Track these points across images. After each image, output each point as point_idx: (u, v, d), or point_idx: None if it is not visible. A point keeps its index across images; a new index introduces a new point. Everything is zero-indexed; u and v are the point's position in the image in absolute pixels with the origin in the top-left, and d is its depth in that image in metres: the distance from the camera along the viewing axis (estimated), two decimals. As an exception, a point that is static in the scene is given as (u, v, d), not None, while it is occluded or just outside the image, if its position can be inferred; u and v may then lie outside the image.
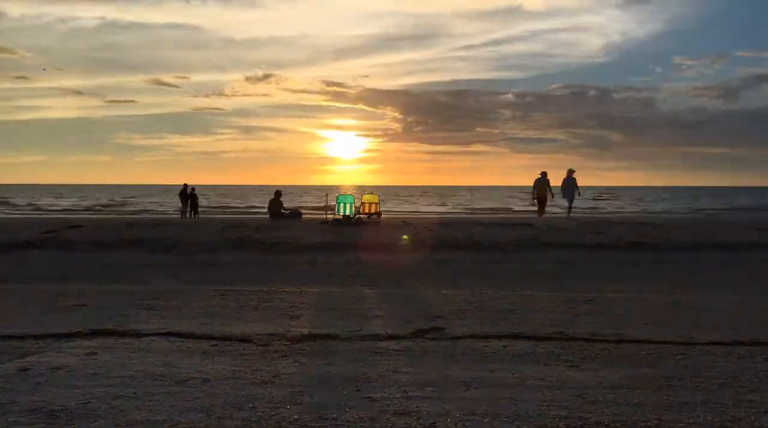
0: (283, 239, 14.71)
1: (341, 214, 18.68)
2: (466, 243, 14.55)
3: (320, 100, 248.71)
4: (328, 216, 19.11)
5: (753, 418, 3.27)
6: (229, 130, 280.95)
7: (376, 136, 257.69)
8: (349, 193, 23.39)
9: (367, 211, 19.46)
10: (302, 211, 23.06)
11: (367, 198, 19.85)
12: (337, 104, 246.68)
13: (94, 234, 15.13)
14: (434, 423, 3.17)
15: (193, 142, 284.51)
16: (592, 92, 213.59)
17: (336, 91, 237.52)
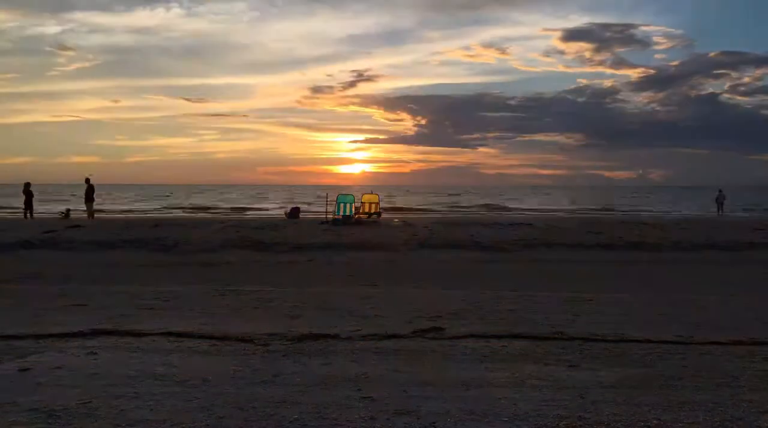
0: (283, 239, 14.72)
1: (341, 213, 18.69)
2: (466, 243, 14.56)
3: (307, 104, 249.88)
4: (328, 216, 19.11)
5: (753, 418, 3.27)
6: (212, 132, 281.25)
7: (366, 139, 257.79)
8: (345, 193, 23.46)
9: (366, 210, 19.47)
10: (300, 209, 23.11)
11: (367, 198, 19.86)
12: (325, 107, 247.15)
13: (94, 234, 15.13)
14: (434, 422, 3.17)
15: (179, 144, 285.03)
16: (579, 98, 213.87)
17: (320, 94, 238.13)
